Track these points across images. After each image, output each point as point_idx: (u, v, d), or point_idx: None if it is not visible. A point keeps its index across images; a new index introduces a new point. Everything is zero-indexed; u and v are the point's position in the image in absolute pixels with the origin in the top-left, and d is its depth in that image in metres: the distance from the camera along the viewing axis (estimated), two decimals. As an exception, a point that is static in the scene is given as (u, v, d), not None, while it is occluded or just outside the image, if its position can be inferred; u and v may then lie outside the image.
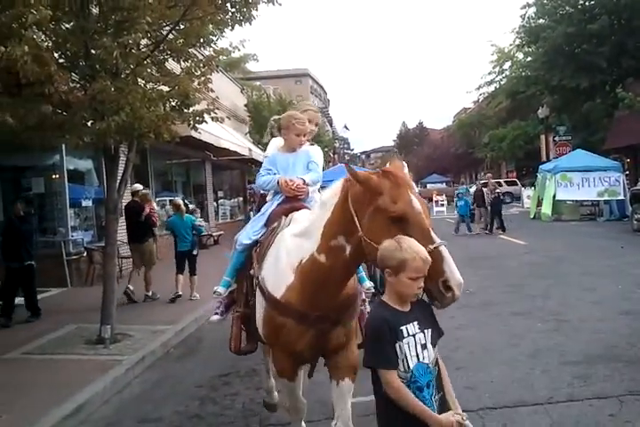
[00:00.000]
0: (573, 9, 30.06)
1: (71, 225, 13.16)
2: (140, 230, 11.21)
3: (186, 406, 5.70)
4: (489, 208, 22.13)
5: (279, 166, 4.40)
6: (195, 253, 11.09)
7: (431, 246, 2.76)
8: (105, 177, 8.70)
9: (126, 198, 10.86)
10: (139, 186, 12.20)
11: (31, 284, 9.70)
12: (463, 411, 2.82)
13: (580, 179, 24.37)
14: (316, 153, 4.61)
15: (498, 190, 22.86)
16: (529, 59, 35.79)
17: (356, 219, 3.04)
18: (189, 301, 10.60)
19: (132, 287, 10.91)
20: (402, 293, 2.77)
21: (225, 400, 5.80)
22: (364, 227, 3.00)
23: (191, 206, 17.85)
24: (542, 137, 36.70)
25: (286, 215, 4.03)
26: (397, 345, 2.71)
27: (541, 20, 31.92)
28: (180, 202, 11.78)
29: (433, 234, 2.84)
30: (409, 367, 2.72)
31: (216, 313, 4.86)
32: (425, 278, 2.72)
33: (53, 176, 13.17)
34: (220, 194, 26.62)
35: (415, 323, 2.79)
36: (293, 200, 4.18)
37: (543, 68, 31.15)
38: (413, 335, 2.75)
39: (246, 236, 4.25)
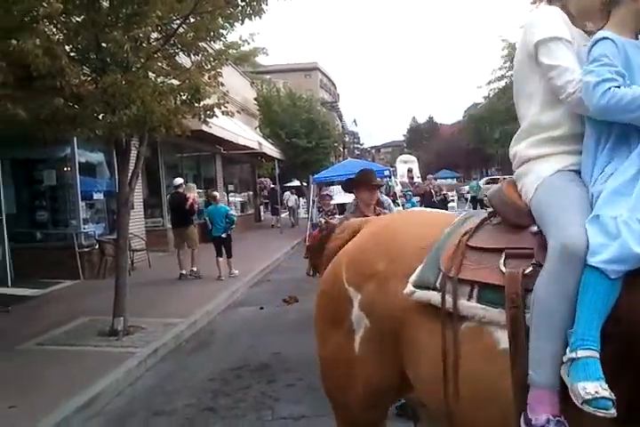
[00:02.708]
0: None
1: (83, 218, 13.21)
2: (183, 218, 13.04)
3: (198, 399, 5.73)
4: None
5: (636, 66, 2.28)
6: (224, 236, 12.66)
7: None
8: (116, 170, 8.73)
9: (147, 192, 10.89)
10: (180, 179, 13.87)
11: None
12: None
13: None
14: None
15: (444, 192, 23.12)
16: (540, 53, 35.58)
17: None
18: (222, 280, 12.26)
19: (195, 268, 12.75)
20: None
21: (237, 393, 5.82)
22: None
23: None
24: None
25: None
26: None
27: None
28: (217, 194, 13.78)
29: None
30: None
31: None
32: None
33: (65, 169, 13.22)
34: (231, 188, 26.66)
35: None
36: None
37: (554, 63, 30.95)
38: None
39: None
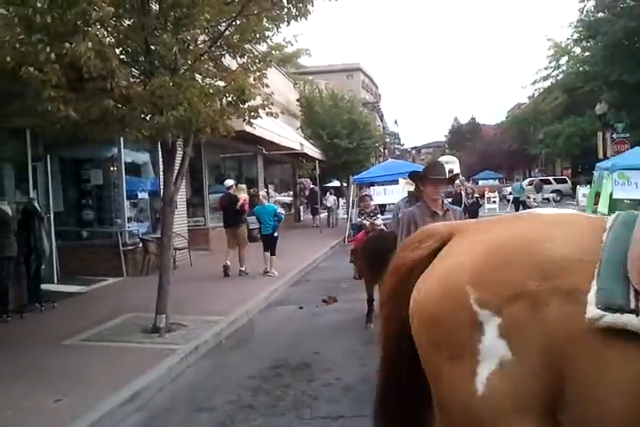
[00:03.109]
0: (634, 2, 29.16)
1: (127, 216, 13.48)
2: (234, 217, 13.53)
3: (238, 396, 5.81)
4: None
5: None
6: (275, 235, 13.15)
7: None
8: (162, 170, 8.88)
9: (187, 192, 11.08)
10: (230, 181, 14.68)
11: None
12: None
13: (638, 177, 23.64)
14: None
15: (476, 195, 22.71)
16: (587, 53, 34.87)
17: None
18: (267, 277, 12.68)
19: (229, 263, 13.00)
20: None
21: (276, 391, 5.89)
22: None
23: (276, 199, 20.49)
24: (599, 134, 35.71)
25: None
26: None
27: (600, 14, 31.04)
28: (265, 195, 14.94)
29: None
30: None
31: None
32: None
33: (111, 168, 13.53)
34: (271, 188, 26.84)
35: None
36: None
37: (602, 64, 30.31)
38: None
39: None
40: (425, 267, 2.50)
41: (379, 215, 10.17)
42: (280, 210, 14.17)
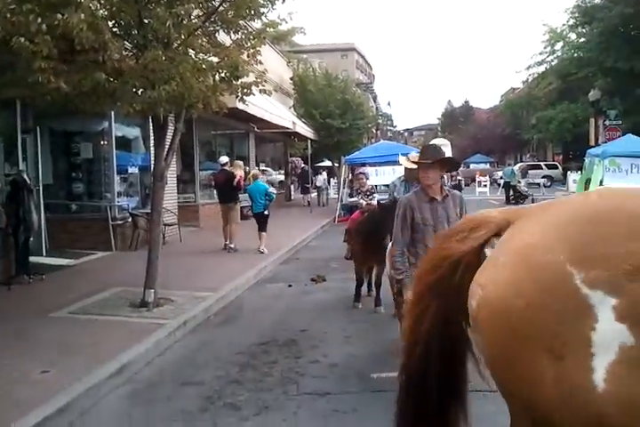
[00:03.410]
0: (631, -12, 29.05)
1: (117, 191, 13.43)
2: (230, 194, 13.69)
3: (226, 372, 5.86)
4: None
5: None
6: (266, 213, 13.27)
7: None
8: (152, 145, 8.84)
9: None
10: (226, 158, 14.94)
11: None
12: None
13: (629, 165, 23.67)
14: None
15: (460, 177, 22.77)
16: (582, 40, 34.76)
17: None
18: (257, 254, 12.67)
19: (232, 245, 13.26)
20: None
21: (263, 367, 5.93)
22: None
23: (268, 178, 20.87)
24: (592, 120, 35.73)
25: None
26: None
27: (597, 0, 30.96)
28: (259, 173, 15.31)
29: None
30: None
31: None
32: None
33: (102, 142, 13.45)
34: (263, 166, 26.79)
35: None
36: None
37: (597, 50, 30.25)
38: None
39: None
40: (477, 260, 2.23)
41: (375, 195, 9.80)
42: (271, 189, 14.21)
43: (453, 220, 4.86)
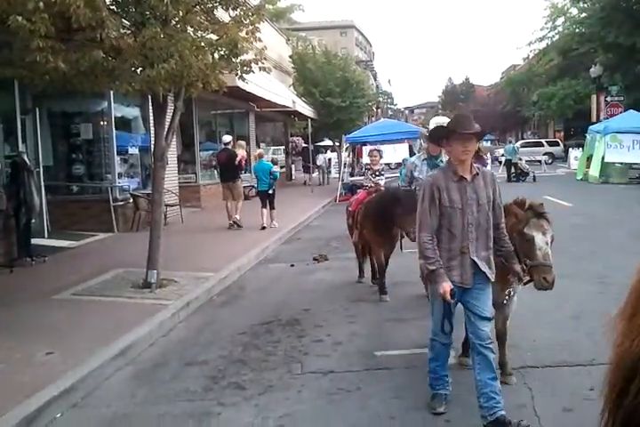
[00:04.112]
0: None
1: (118, 172, 13.37)
2: (232, 173, 14.06)
3: (229, 351, 5.86)
4: None
5: None
6: (270, 191, 13.77)
7: None
8: (152, 125, 8.76)
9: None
10: (229, 137, 15.24)
11: None
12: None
13: (630, 141, 23.64)
14: None
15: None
16: (583, 15, 34.39)
17: None
18: (265, 228, 13.32)
19: (237, 217, 13.61)
20: None
21: (267, 347, 5.94)
22: None
23: (273, 157, 21.04)
24: (593, 97, 35.57)
25: None
26: None
27: (599, -25, 30.57)
28: (262, 152, 15.40)
29: None
30: None
31: None
32: None
33: (101, 123, 13.34)
34: (263, 146, 26.67)
35: None
36: None
37: (598, 25, 29.97)
38: None
39: None
40: None
41: (383, 176, 9.17)
42: (276, 168, 14.63)
43: (484, 203, 4.22)
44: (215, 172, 17.53)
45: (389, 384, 4.90)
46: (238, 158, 14.03)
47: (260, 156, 14.64)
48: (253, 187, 18.87)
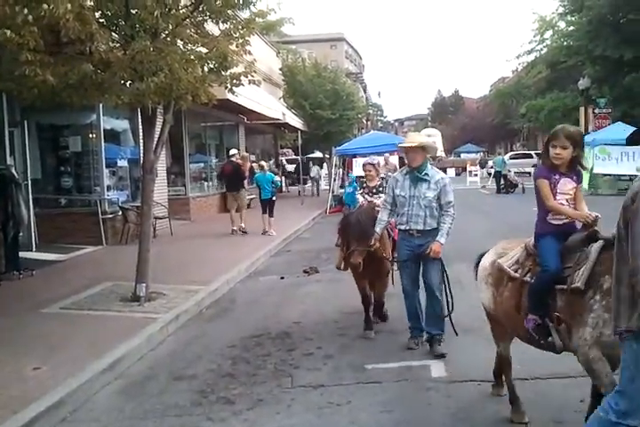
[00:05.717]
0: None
1: (107, 184, 13.32)
2: (237, 183, 15.45)
3: (218, 365, 5.82)
4: None
5: None
6: (274, 199, 15.03)
7: None
8: (141, 138, 8.75)
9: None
10: (235, 150, 17.10)
11: None
12: None
13: (619, 153, 23.83)
14: None
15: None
16: (571, 28, 34.75)
17: None
18: (266, 236, 14.30)
19: (243, 225, 14.99)
20: None
21: (257, 361, 5.90)
22: None
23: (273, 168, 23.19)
24: (581, 109, 35.79)
25: None
26: None
27: (586, -12, 30.93)
28: (265, 164, 16.71)
29: None
30: None
31: None
32: None
33: (90, 135, 13.29)
34: (253, 158, 26.68)
35: None
36: None
37: (586, 39, 30.28)
38: None
39: None
40: None
41: (381, 194, 7.47)
42: (277, 178, 16.70)
43: None
44: (210, 183, 20.48)
45: (380, 398, 4.88)
46: (244, 169, 15.78)
47: (262, 167, 15.88)
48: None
